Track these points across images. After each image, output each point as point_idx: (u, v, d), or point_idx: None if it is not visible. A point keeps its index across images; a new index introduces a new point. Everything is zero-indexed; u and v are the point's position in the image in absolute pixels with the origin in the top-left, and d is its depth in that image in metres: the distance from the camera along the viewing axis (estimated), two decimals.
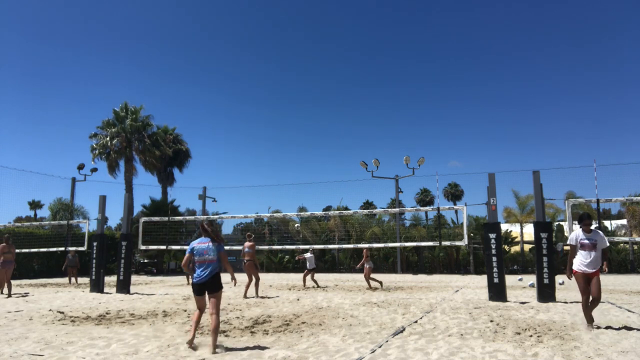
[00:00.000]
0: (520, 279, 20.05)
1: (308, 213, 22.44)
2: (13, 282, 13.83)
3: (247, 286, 12.49)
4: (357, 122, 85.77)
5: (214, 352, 5.13)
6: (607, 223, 33.70)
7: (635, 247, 29.99)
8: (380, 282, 15.75)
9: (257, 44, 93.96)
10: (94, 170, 32.73)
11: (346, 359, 4.95)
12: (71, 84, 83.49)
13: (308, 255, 16.55)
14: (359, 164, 31.91)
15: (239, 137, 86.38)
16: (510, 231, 33.14)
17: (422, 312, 8.87)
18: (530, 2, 78.26)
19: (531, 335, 6.25)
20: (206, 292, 5.45)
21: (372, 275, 15.74)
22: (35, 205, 46.10)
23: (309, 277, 16.40)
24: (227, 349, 5.39)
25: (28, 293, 13.82)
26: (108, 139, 31.86)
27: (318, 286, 16.18)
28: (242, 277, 12.68)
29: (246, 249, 12.50)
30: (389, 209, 35.62)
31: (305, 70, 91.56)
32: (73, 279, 19.28)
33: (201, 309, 5.55)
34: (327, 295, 13.08)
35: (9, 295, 12.44)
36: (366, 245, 17.50)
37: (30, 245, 20.15)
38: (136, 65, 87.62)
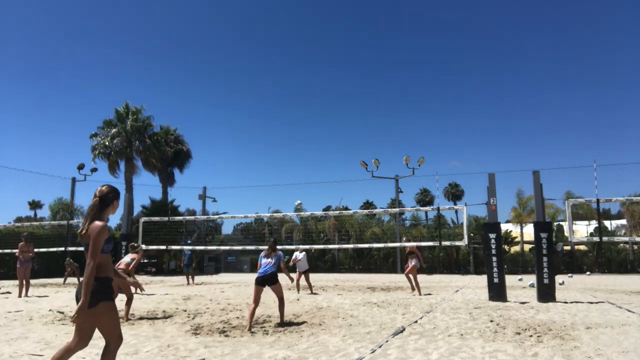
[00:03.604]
0: (520, 279, 20.05)
1: (307, 213, 22.41)
2: (13, 281, 13.76)
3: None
4: (357, 122, 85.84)
5: (282, 322, 7.38)
6: (607, 223, 33.71)
7: (635, 247, 29.99)
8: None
9: (258, 44, 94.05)
10: (94, 170, 32.69)
11: (346, 359, 4.95)
12: (72, 83, 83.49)
13: (300, 255, 14.18)
14: (359, 164, 31.93)
15: (239, 137, 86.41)
16: (510, 231, 33.16)
17: (422, 312, 8.88)
18: (530, 2, 78.35)
19: (531, 335, 6.25)
20: (266, 285, 7.31)
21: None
22: (35, 205, 46.13)
23: (302, 279, 14.22)
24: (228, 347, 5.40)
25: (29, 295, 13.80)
26: (109, 139, 31.87)
27: (312, 291, 13.90)
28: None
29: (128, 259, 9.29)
30: (389, 209, 35.61)
31: (306, 71, 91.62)
32: (69, 279, 19.38)
33: (256, 302, 7.19)
34: (327, 295, 13.08)
35: (22, 294, 12.27)
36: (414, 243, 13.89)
37: None
38: (138, 65, 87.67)
